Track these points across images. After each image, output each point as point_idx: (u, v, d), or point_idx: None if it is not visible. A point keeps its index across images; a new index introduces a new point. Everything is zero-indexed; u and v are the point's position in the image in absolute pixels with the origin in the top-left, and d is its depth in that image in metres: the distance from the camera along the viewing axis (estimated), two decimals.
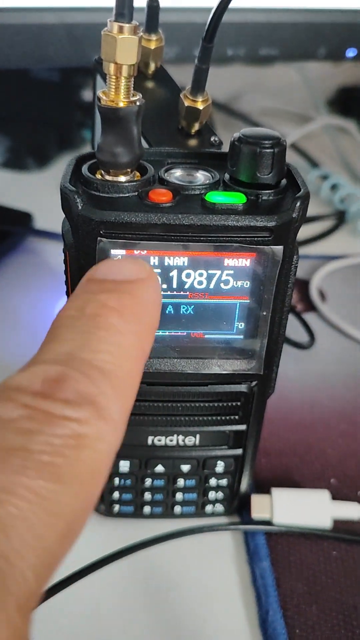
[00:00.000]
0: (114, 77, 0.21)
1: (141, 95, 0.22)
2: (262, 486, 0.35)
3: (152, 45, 0.29)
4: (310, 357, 0.45)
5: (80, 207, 0.22)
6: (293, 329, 0.47)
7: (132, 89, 0.22)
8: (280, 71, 0.74)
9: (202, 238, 0.23)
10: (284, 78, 0.79)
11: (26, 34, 0.39)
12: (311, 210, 0.63)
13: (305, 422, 0.40)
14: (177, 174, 0.25)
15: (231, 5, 0.23)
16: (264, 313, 0.25)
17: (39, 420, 0.15)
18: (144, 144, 0.28)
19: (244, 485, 0.32)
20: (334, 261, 0.55)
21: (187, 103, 0.27)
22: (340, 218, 0.63)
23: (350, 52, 0.48)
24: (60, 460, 0.14)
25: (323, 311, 0.49)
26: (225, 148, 0.25)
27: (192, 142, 0.28)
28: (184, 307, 0.25)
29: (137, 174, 0.24)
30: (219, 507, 0.33)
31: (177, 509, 0.32)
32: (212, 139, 0.28)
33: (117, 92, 0.22)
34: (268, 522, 0.33)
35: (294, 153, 0.73)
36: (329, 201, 0.65)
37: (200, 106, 0.27)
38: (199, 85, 0.27)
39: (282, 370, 0.43)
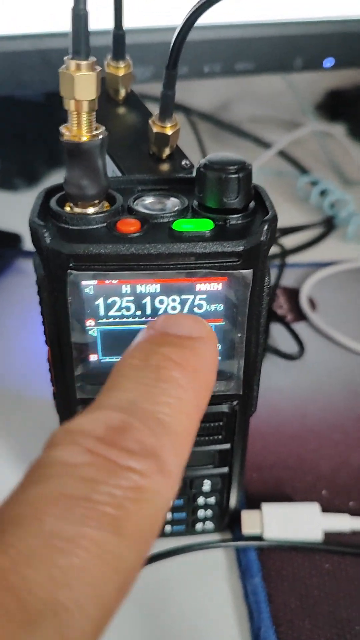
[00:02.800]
0: (75, 112, 0.22)
1: (104, 128, 0.23)
2: (254, 501, 0.35)
3: (121, 72, 0.30)
4: (301, 367, 0.45)
5: (48, 241, 0.22)
6: (283, 339, 0.48)
7: (94, 122, 0.22)
8: (267, 79, 0.75)
9: (171, 266, 0.23)
10: (272, 85, 0.79)
11: (1, 61, 0.39)
12: (301, 217, 0.64)
13: (297, 434, 0.40)
14: (146, 202, 0.25)
15: (205, 22, 0.23)
16: (239, 335, 0.25)
17: (102, 468, 0.15)
18: (117, 172, 0.29)
19: (233, 501, 0.33)
20: (324, 268, 0.55)
21: (155, 129, 0.27)
22: (330, 224, 0.63)
23: (328, 62, 0.48)
24: (121, 513, 0.14)
25: (313, 320, 0.49)
26: None
27: (164, 167, 0.29)
28: None
29: (107, 204, 0.24)
30: (209, 525, 0.33)
31: (168, 528, 0.33)
32: (183, 162, 0.28)
33: (79, 127, 0.22)
34: (259, 538, 0.33)
35: (282, 160, 0.74)
36: (318, 207, 0.65)
37: (169, 132, 0.27)
38: (166, 111, 0.27)
39: (273, 382, 0.44)
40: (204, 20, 0.23)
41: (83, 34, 0.20)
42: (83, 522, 0.14)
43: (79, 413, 0.17)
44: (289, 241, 0.60)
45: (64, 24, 0.21)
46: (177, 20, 0.23)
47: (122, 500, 0.14)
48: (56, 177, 0.67)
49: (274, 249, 0.58)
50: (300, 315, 0.51)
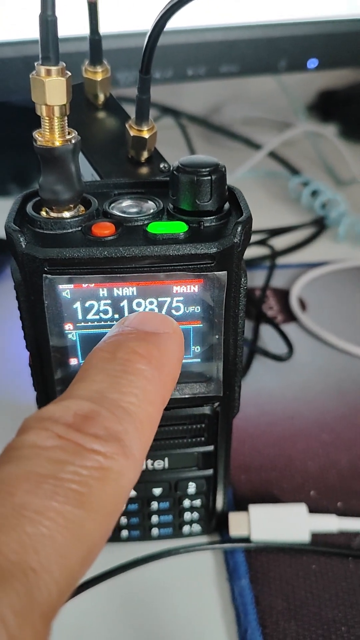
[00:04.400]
0: (47, 118, 0.22)
1: (76, 133, 0.23)
2: (243, 503, 0.35)
3: (99, 77, 0.30)
4: (290, 368, 0.45)
5: (23, 246, 0.23)
6: (272, 340, 0.48)
7: (66, 127, 0.22)
8: (258, 80, 0.75)
9: (146, 269, 0.23)
10: (263, 87, 0.79)
11: None
12: (292, 218, 0.64)
13: (285, 435, 0.40)
14: (121, 206, 0.25)
15: (189, 25, 0.24)
16: (217, 336, 0.25)
17: (69, 451, 0.16)
18: (96, 176, 0.29)
19: (220, 504, 0.33)
20: (314, 269, 0.55)
21: (133, 133, 0.28)
22: (321, 225, 0.63)
23: (311, 64, 0.48)
24: (86, 490, 0.16)
25: (303, 321, 0.49)
26: None
27: (143, 170, 0.29)
28: None
29: (82, 208, 0.24)
30: (196, 527, 0.33)
31: (155, 531, 0.33)
32: (161, 165, 0.29)
33: (51, 132, 0.22)
34: (247, 540, 0.33)
35: (274, 161, 0.74)
36: (309, 208, 0.65)
37: (146, 135, 0.27)
38: (142, 115, 0.27)
39: (262, 383, 0.44)
40: (187, 23, 0.23)
41: (52, 39, 0.21)
42: (51, 497, 0.15)
43: (50, 403, 0.18)
44: (280, 242, 0.60)
45: None
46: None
47: (87, 478, 0.16)
48: None
49: (264, 250, 0.58)
50: (291, 316, 0.51)
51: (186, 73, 0.43)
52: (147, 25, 0.24)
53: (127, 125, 0.28)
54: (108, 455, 0.16)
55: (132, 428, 0.18)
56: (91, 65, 0.30)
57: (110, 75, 0.30)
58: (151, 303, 0.25)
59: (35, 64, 0.21)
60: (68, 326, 0.25)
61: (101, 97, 0.31)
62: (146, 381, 0.19)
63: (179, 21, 0.23)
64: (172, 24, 0.23)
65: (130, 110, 0.31)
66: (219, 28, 0.43)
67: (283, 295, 0.53)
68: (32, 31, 0.40)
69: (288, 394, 0.43)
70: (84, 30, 0.29)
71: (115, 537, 0.33)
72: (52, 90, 0.21)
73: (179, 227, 0.23)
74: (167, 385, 0.20)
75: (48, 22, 0.20)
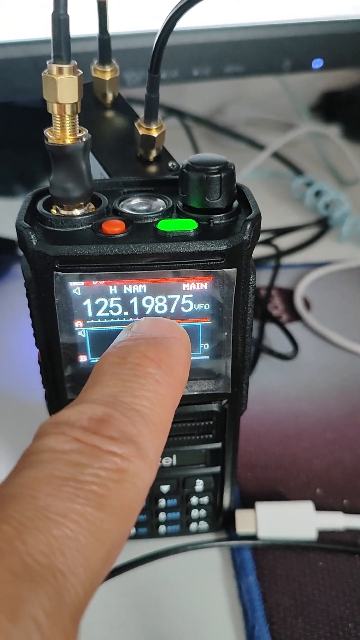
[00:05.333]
0: (58, 116, 0.22)
1: (87, 131, 0.23)
2: (248, 500, 0.35)
3: (107, 77, 0.30)
4: (295, 367, 0.46)
5: (34, 243, 0.23)
6: (277, 340, 0.48)
7: (77, 125, 0.23)
8: (261, 81, 0.75)
9: (156, 266, 0.23)
10: (266, 87, 0.79)
11: None
12: (296, 218, 0.64)
13: (291, 433, 0.40)
14: (131, 203, 0.25)
15: (194, 26, 0.24)
16: (226, 333, 0.26)
17: (87, 453, 0.17)
18: (105, 175, 0.29)
19: (227, 501, 0.33)
20: (319, 269, 0.56)
21: (141, 132, 0.28)
22: (325, 225, 0.63)
23: (316, 64, 0.48)
24: (105, 492, 0.16)
25: (308, 320, 0.50)
26: None
27: (151, 169, 0.29)
28: None
29: (92, 206, 0.25)
30: (204, 525, 0.33)
31: (162, 528, 0.33)
32: (170, 164, 0.29)
33: (62, 130, 0.22)
34: (253, 537, 0.33)
35: (277, 161, 0.74)
36: (313, 208, 0.65)
37: (154, 134, 0.28)
38: (151, 114, 0.27)
39: (267, 382, 0.44)
40: (192, 23, 0.23)
41: (64, 38, 0.21)
42: (72, 499, 0.15)
43: (64, 407, 0.18)
44: (284, 242, 0.60)
45: None
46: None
47: (105, 480, 0.16)
48: None
49: (269, 250, 0.58)
50: (295, 316, 0.51)
51: (192, 73, 0.43)
52: (153, 26, 0.24)
53: (136, 124, 0.28)
54: (124, 456, 0.17)
55: (146, 430, 0.18)
56: (100, 64, 0.30)
57: (119, 75, 0.30)
58: (161, 300, 0.25)
59: (47, 62, 0.21)
60: (78, 323, 0.25)
61: (110, 97, 0.31)
62: (157, 384, 0.19)
63: (184, 22, 0.23)
64: (178, 24, 0.23)
65: (138, 110, 0.31)
66: (223, 28, 0.43)
67: (288, 295, 0.53)
68: (40, 31, 0.40)
69: (293, 393, 0.44)
70: (92, 30, 0.29)
71: None
72: (63, 88, 0.21)
73: (189, 225, 0.23)
74: (177, 388, 0.20)
75: (60, 20, 0.20)
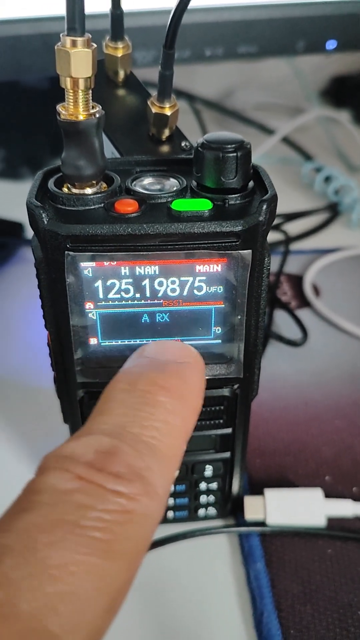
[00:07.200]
0: (71, 91, 0.21)
1: (101, 107, 0.22)
2: (258, 487, 0.35)
3: (119, 53, 0.29)
4: (304, 354, 0.45)
5: (46, 222, 0.22)
6: (286, 326, 0.47)
7: (90, 101, 0.22)
8: (271, 65, 0.74)
9: (169, 246, 0.23)
10: (276, 72, 0.78)
11: (2, 46, 0.39)
12: (305, 204, 0.63)
13: (300, 420, 0.40)
14: (144, 183, 0.25)
15: (207, 4, 0.23)
16: (239, 317, 0.25)
17: (91, 494, 0.15)
18: (116, 154, 0.28)
19: (236, 487, 0.32)
20: (328, 255, 0.55)
21: (154, 110, 0.27)
22: (334, 210, 0.63)
23: (330, 45, 0.47)
24: (110, 537, 0.15)
25: (317, 306, 0.49)
26: None
27: (164, 148, 0.28)
28: (159, 315, 0.25)
29: (104, 185, 0.24)
30: (212, 511, 0.33)
31: (170, 514, 0.33)
32: (183, 144, 0.28)
33: (75, 106, 0.22)
34: (262, 523, 0.33)
35: (287, 146, 0.73)
36: (323, 193, 0.65)
37: (168, 112, 0.27)
38: (164, 92, 0.27)
39: (276, 368, 0.44)
40: (205, 2, 0.23)
41: (78, 10, 0.20)
42: (73, 548, 0.14)
43: (70, 438, 0.18)
44: (293, 227, 0.59)
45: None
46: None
47: (110, 524, 0.15)
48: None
49: (278, 236, 0.57)
50: (304, 302, 0.50)
51: (204, 53, 0.43)
52: (164, 3, 0.23)
53: (148, 102, 0.27)
54: (131, 496, 0.16)
55: (155, 464, 0.17)
56: (112, 40, 0.29)
57: (131, 52, 0.29)
58: (173, 282, 0.24)
59: (61, 34, 0.21)
60: (89, 305, 0.24)
61: (121, 74, 0.30)
62: (167, 413, 0.18)
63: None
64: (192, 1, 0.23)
65: (149, 90, 0.30)
66: (237, 7, 0.42)
67: (297, 281, 0.52)
68: (49, 8, 0.40)
69: (302, 379, 0.43)
70: (102, 7, 0.28)
71: None
72: (77, 62, 0.21)
73: (203, 205, 0.23)
74: (190, 417, 0.19)
75: None
